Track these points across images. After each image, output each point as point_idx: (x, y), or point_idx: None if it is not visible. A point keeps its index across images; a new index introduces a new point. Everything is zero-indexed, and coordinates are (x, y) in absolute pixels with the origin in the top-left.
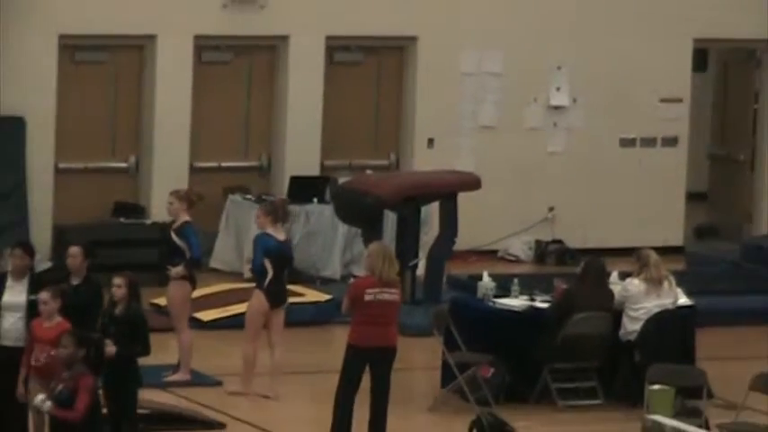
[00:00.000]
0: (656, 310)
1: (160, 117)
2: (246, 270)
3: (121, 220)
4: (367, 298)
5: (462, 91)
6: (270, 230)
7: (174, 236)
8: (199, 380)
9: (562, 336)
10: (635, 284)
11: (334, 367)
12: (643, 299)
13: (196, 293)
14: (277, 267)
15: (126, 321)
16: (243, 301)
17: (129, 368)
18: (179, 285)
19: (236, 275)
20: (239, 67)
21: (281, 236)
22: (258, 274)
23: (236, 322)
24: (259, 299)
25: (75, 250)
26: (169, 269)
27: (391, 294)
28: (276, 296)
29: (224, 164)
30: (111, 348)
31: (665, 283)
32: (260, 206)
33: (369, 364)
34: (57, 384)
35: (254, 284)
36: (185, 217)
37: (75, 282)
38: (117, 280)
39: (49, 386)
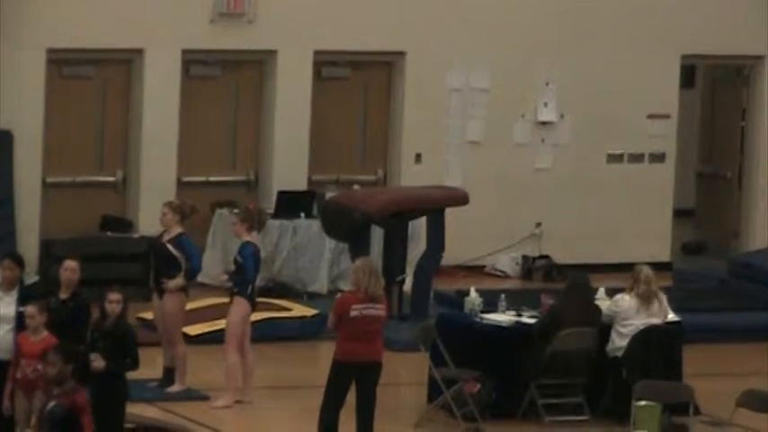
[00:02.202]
0: (644, 326)
1: (148, 131)
2: (223, 280)
3: (108, 234)
4: (353, 314)
5: (450, 106)
6: (248, 238)
7: (170, 247)
8: (186, 394)
9: (549, 351)
10: (626, 300)
11: (320, 382)
12: (633, 315)
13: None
14: (257, 275)
15: (115, 335)
16: None
17: (116, 382)
18: (176, 297)
19: (223, 290)
20: (227, 82)
21: (257, 243)
22: (247, 282)
23: (222, 336)
24: (243, 306)
25: (72, 264)
26: (165, 282)
27: (377, 310)
28: (254, 303)
29: (211, 178)
30: (99, 363)
31: (656, 302)
32: (236, 213)
33: (355, 380)
34: (47, 401)
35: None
36: (179, 228)
37: (63, 296)
38: (114, 295)
39: (33, 402)
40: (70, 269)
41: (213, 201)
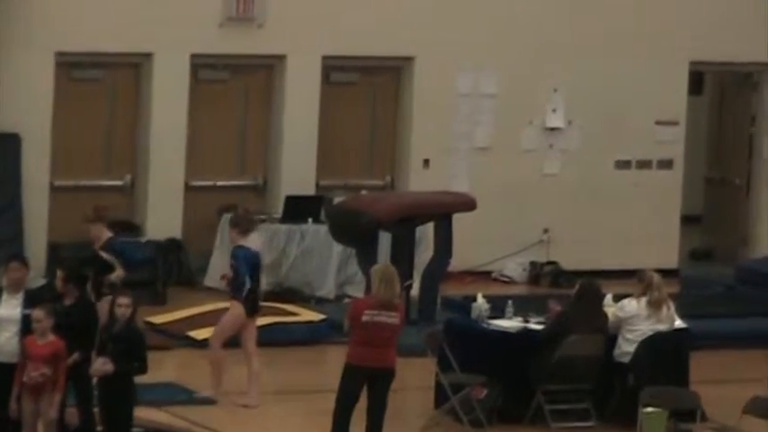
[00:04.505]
0: (651, 332)
1: (156, 135)
2: (222, 284)
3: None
4: (364, 318)
5: (458, 112)
6: (242, 242)
7: (103, 254)
8: (193, 398)
9: (556, 357)
10: (634, 306)
11: (328, 387)
12: (642, 321)
13: (189, 312)
14: (253, 278)
15: (125, 339)
16: None
17: (125, 386)
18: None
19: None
20: (236, 86)
21: (253, 245)
22: (242, 285)
23: (230, 340)
24: (238, 309)
25: (57, 273)
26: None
27: (389, 317)
28: (253, 306)
29: (219, 183)
30: (108, 366)
31: (665, 308)
32: (228, 222)
33: (367, 385)
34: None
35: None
36: (107, 234)
37: (67, 302)
38: (123, 299)
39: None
40: (57, 278)
41: (220, 205)
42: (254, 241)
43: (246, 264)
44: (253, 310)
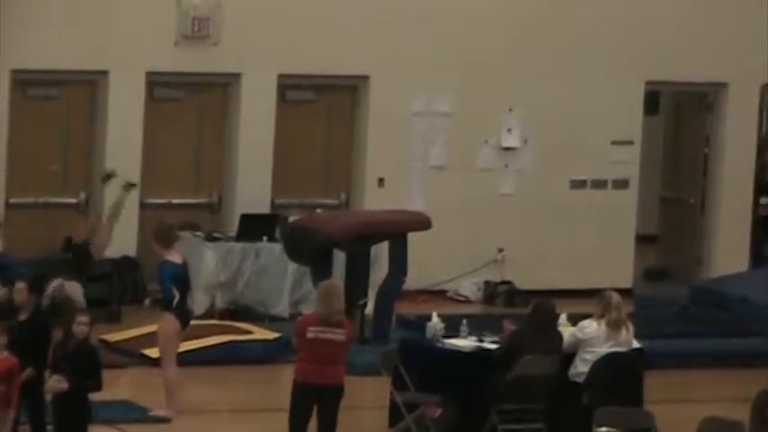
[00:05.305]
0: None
1: (111, 153)
2: (148, 301)
3: (71, 255)
4: (309, 335)
5: (413, 131)
6: (167, 257)
7: None
8: (147, 416)
9: (510, 377)
10: (594, 327)
11: (283, 406)
12: (601, 343)
13: (143, 330)
14: (181, 290)
15: (79, 357)
16: (195, 338)
17: (79, 404)
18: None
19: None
20: (191, 104)
21: (177, 259)
22: (168, 300)
23: (184, 359)
24: (171, 321)
25: (19, 285)
26: None
27: (334, 334)
28: (184, 318)
29: (174, 201)
30: (63, 384)
31: (624, 330)
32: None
33: (316, 402)
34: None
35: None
36: None
37: (22, 317)
38: (83, 317)
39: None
40: (17, 290)
41: (174, 223)
42: (176, 254)
43: (171, 278)
44: (184, 323)
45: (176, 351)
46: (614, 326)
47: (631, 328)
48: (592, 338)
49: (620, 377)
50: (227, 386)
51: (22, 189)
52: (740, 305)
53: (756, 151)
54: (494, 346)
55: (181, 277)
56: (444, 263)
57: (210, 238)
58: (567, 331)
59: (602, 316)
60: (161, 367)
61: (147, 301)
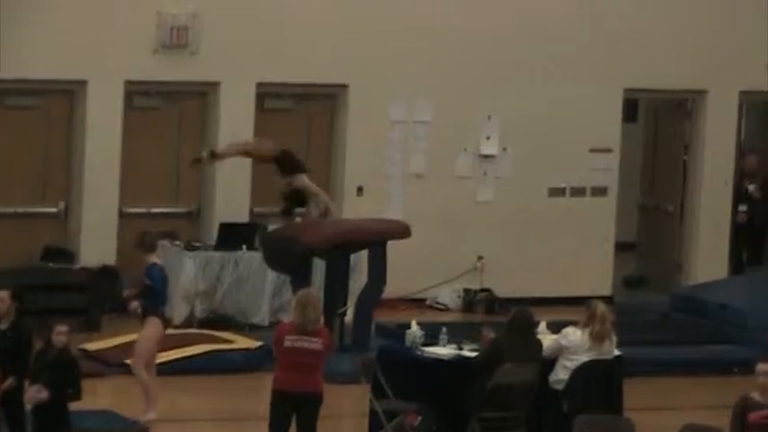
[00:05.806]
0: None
1: (90, 162)
2: (133, 307)
3: (50, 264)
4: (286, 344)
5: (392, 139)
6: (152, 260)
7: None
8: (127, 426)
9: (490, 385)
10: (578, 336)
11: (264, 414)
12: (583, 352)
13: (123, 339)
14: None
15: (59, 366)
16: (176, 347)
17: (59, 413)
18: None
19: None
20: (170, 113)
21: (159, 261)
22: (161, 303)
23: (165, 368)
24: (157, 326)
25: (2, 294)
26: None
27: (311, 342)
28: (165, 324)
29: (154, 210)
30: (42, 393)
31: (607, 342)
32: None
33: (294, 411)
34: None
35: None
36: None
37: (3, 326)
38: (62, 327)
39: None
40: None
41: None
42: (158, 258)
43: (161, 281)
44: (165, 326)
45: (154, 356)
46: (597, 338)
47: (614, 339)
48: (575, 346)
49: (600, 385)
50: (209, 395)
51: (1, 198)
52: (720, 312)
53: (735, 158)
54: (473, 354)
55: (167, 281)
56: (423, 271)
57: (190, 247)
58: (547, 338)
59: (586, 325)
60: (133, 372)
61: (134, 305)
